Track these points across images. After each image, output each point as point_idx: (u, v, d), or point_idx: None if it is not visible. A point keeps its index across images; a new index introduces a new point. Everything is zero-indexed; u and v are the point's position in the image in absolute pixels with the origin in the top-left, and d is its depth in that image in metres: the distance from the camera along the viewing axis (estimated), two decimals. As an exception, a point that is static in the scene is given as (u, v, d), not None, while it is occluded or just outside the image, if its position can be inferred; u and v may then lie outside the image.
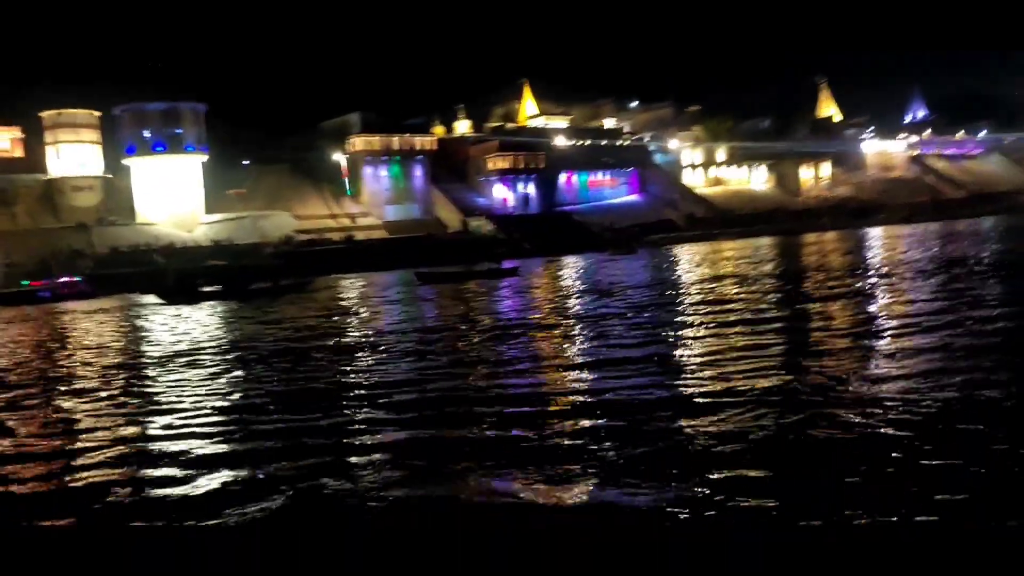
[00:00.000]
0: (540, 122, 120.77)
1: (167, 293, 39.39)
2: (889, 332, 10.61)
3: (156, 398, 9.84)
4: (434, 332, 15.55)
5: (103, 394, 10.50)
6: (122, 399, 9.99)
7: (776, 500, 4.64)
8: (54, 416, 9.23)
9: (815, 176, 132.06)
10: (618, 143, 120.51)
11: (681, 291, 21.23)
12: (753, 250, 49.53)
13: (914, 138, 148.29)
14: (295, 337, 16.74)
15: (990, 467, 4.86)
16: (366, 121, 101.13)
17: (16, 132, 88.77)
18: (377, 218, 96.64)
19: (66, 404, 10.01)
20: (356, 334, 16.49)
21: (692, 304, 17.10)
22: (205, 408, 8.79)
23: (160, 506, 5.44)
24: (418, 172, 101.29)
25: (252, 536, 4.87)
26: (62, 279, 61.19)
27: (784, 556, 4.00)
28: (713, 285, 22.15)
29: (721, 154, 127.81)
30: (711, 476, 5.08)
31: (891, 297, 15.21)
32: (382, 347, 13.53)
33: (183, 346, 16.27)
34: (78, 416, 9.05)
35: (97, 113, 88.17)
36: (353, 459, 6.16)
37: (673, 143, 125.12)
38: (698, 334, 11.98)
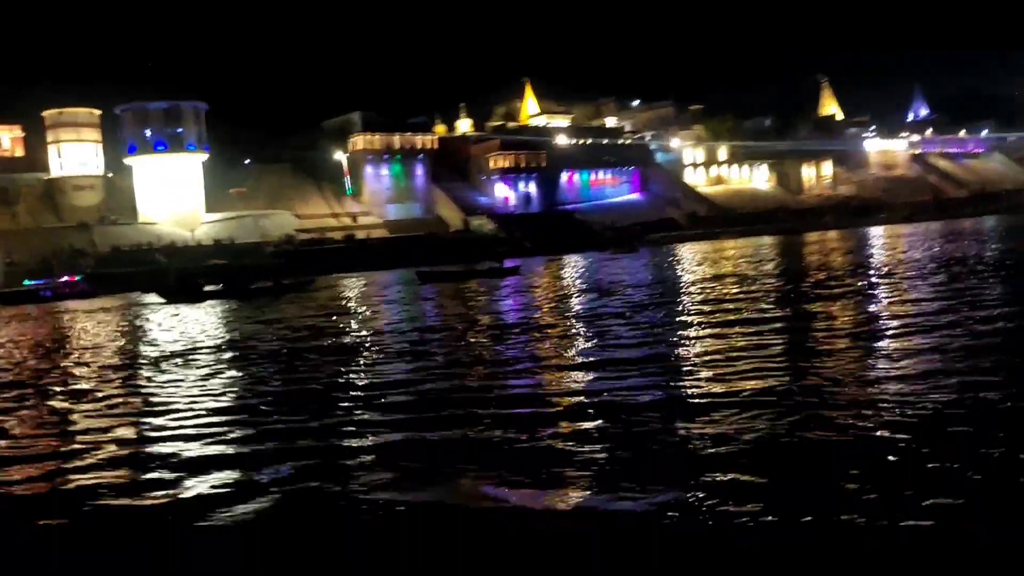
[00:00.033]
0: (541, 121, 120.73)
1: (168, 292, 39.41)
2: (889, 333, 10.55)
3: (149, 398, 9.79)
4: (433, 332, 15.50)
5: (98, 394, 10.46)
6: (115, 399, 9.94)
7: (774, 503, 4.58)
8: (47, 416, 9.18)
9: (817, 175, 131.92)
10: (619, 142, 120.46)
11: (682, 290, 21.18)
12: (754, 249, 49.47)
13: (916, 137, 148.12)
14: (294, 337, 16.70)
15: (989, 471, 4.81)
16: (367, 120, 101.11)
17: (17, 131, 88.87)
18: (378, 217, 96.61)
19: (59, 404, 9.97)
20: (355, 334, 16.45)
21: (692, 304, 17.04)
22: (199, 409, 8.74)
23: (151, 508, 5.39)
24: (419, 171, 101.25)
25: (243, 539, 4.82)
26: (63, 278, 61.25)
27: (781, 560, 3.96)
28: (714, 284, 22.09)
29: (723, 153, 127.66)
30: (708, 479, 5.02)
31: (892, 297, 15.15)
32: (380, 347, 13.49)
33: (179, 346, 16.23)
34: (70, 416, 9.00)
35: (98, 112, 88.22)
36: (346, 461, 6.11)
37: (675, 142, 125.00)
38: (697, 334, 11.93)
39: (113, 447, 7.24)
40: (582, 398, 7.87)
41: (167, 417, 8.44)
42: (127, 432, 7.91)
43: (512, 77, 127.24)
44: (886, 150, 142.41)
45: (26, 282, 61.47)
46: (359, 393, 9.05)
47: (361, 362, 11.80)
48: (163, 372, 12.25)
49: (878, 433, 5.76)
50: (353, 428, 7.29)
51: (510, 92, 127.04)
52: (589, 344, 11.81)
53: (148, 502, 5.51)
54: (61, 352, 17.62)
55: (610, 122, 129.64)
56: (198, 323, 23.32)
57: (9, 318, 35.56)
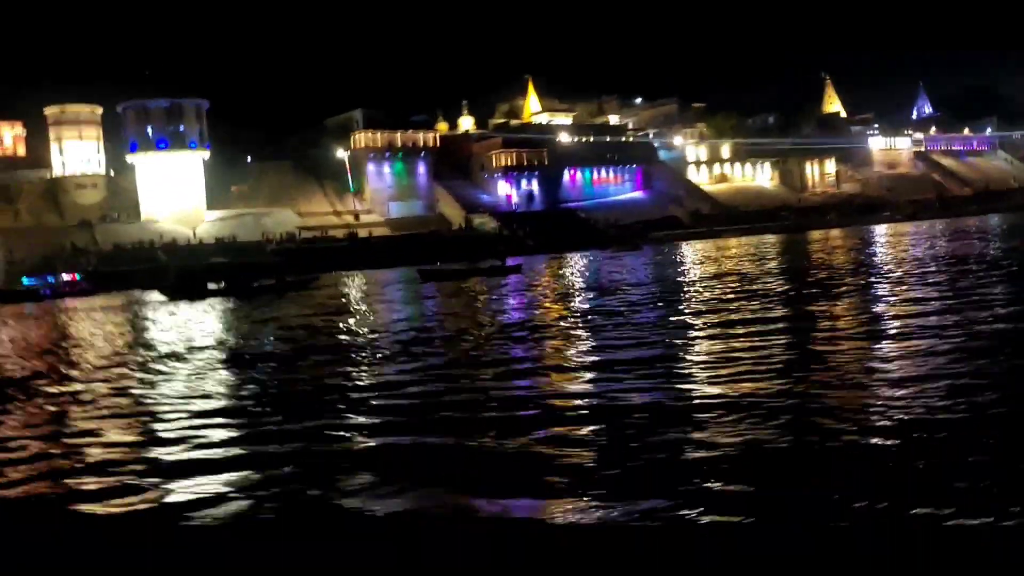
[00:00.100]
0: (544, 119, 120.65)
1: (169, 290, 39.30)
2: (891, 333, 10.37)
3: (139, 399, 9.63)
4: (432, 332, 15.34)
5: (85, 395, 10.28)
6: (103, 400, 9.77)
7: (771, 507, 4.42)
8: (33, 417, 9.00)
9: (820, 173, 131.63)
10: (622, 140, 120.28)
11: (683, 289, 20.98)
12: (758, 247, 49.28)
13: (920, 135, 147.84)
14: (291, 336, 16.54)
15: (989, 474, 4.61)
16: (369, 118, 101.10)
17: (19, 129, 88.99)
18: (380, 215, 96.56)
19: (45, 404, 9.79)
20: (353, 333, 16.28)
21: (692, 303, 16.86)
22: (188, 410, 8.56)
23: (133, 510, 5.23)
24: (421, 169, 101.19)
25: (230, 543, 4.62)
26: (63, 277, 61.24)
27: (778, 564, 3.76)
28: (716, 283, 21.90)
29: (726, 151, 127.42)
30: (703, 486, 4.84)
31: (894, 296, 14.94)
32: (377, 347, 13.32)
33: (175, 345, 16.06)
34: (57, 416, 8.82)
35: (100, 110, 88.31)
36: (334, 464, 5.93)
37: (678, 140, 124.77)
38: (697, 335, 11.73)
39: (99, 449, 7.07)
40: (577, 401, 7.69)
41: (154, 418, 8.28)
42: (113, 434, 7.74)
43: (514, 75, 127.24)
44: (890, 148, 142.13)
45: (24, 280, 61.41)
46: (353, 395, 8.87)
47: (358, 362, 11.61)
48: (155, 372, 12.08)
49: (878, 439, 5.57)
50: (344, 431, 7.10)
51: (512, 90, 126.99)
52: (587, 345, 11.63)
53: (130, 505, 5.34)
54: (53, 351, 17.47)
55: (613, 120, 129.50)
56: (197, 322, 23.18)
57: (6, 317, 35.44)
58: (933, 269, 20.66)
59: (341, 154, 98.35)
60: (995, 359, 7.92)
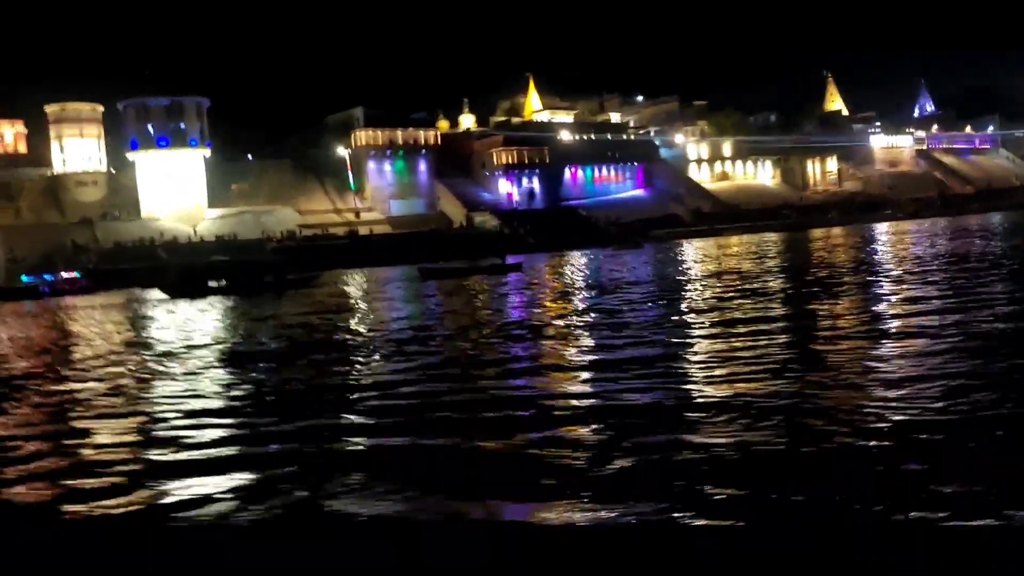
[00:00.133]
0: (545, 116, 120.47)
1: (170, 288, 39.25)
2: (891, 333, 10.35)
3: (136, 398, 9.61)
4: (432, 330, 15.32)
5: (82, 396, 10.27)
6: (99, 399, 9.75)
7: (770, 508, 4.40)
8: (23, 418, 8.99)
9: (822, 171, 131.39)
10: (624, 138, 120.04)
11: (683, 288, 20.95)
12: (759, 245, 49.23)
13: (921, 133, 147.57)
14: (289, 335, 16.53)
15: (988, 474, 4.60)
16: (370, 116, 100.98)
17: (20, 127, 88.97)
18: (381, 213, 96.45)
19: (40, 404, 9.78)
20: (352, 332, 16.27)
21: (692, 302, 16.84)
22: (181, 409, 8.54)
23: (131, 511, 5.21)
24: (422, 167, 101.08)
25: (230, 543, 4.62)
26: (62, 274, 61.18)
27: (778, 564, 3.75)
28: (716, 282, 21.89)
29: (727, 149, 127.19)
30: (700, 490, 4.81)
31: (895, 295, 14.92)
32: (376, 345, 13.30)
33: (173, 344, 16.05)
34: (52, 416, 8.81)
35: (101, 108, 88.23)
36: (334, 464, 5.92)
37: (679, 138, 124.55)
38: (696, 334, 11.71)
39: (96, 450, 7.06)
40: (575, 401, 7.68)
41: (152, 418, 8.26)
42: (109, 434, 7.72)
43: (515, 72, 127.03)
44: (891, 146, 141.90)
45: (23, 278, 61.32)
46: (351, 395, 8.85)
47: (357, 361, 11.59)
48: (153, 371, 12.06)
49: (878, 439, 5.56)
50: (341, 432, 7.08)
51: (513, 87, 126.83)
52: (587, 344, 11.61)
53: (128, 505, 5.33)
54: (47, 349, 17.46)
55: (614, 118, 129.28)
56: (197, 320, 23.16)
57: (4, 316, 35.43)
58: (934, 267, 20.63)
59: (342, 152, 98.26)
60: (995, 359, 7.90)
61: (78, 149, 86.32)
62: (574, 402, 7.62)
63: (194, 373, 11.42)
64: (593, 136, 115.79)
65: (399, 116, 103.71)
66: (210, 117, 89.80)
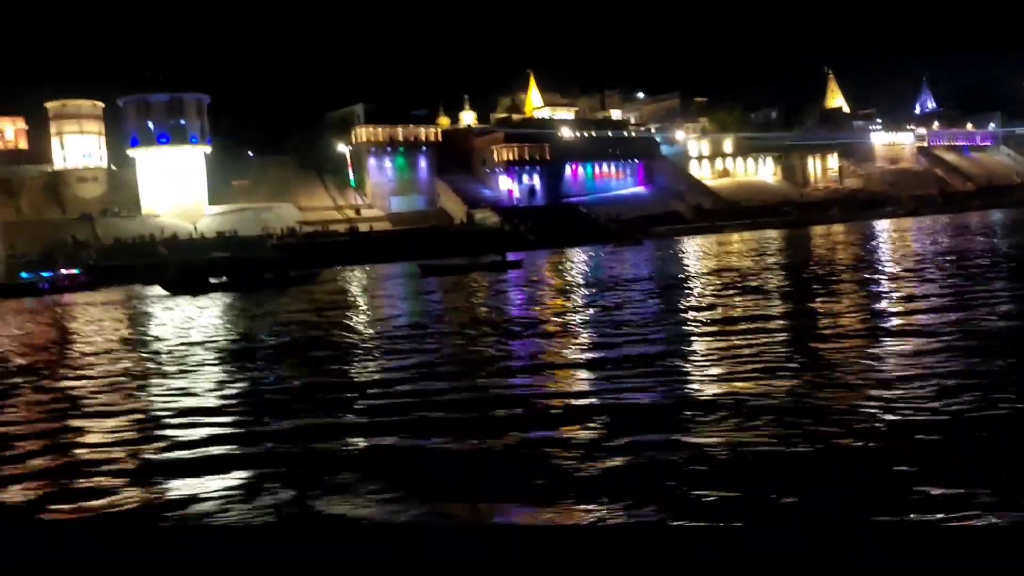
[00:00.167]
0: (545, 113, 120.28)
1: (170, 285, 39.22)
2: (891, 332, 10.34)
3: (134, 397, 9.60)
4: (432, 327, 15.31)
5: (76, 393, 10.26)
6: (96, 399, 9.75)
7: (770, 507, 4.39)
8: (26, 416, 8.99)
9: (823, 168, 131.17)
10: (624, 134, 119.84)
11: (683, 285, 20.93)
12: (759, 242, 49.18)
13: (923, 130, 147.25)
14: (288, 333, 16.51)
15: (988, 474, 4.59)
16: (370, 112, 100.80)
17: (20, 123, 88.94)
18: (381, 210, 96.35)
19: (37, 403, 9.78)
20: (351, 330, 16.25)
21: (692, 299, 16.82)
22: (175, 408, 8.53)
23: (129, 511, 5.20)
24: (423, 163, 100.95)
25: (230, 543, 4.60)
26: (62, 271, 61.11)
27: (778, 564, 3.74)
28: (715, 279, 21.86)
29: (728, 145, 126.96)
30: (698, 491, 4.80)
31: (894, 294, 14.90)
32: (377, 343, 13.29)
33: (172, 342, 16.03)
34: (50, 416, 8.80)
35: (101, 104, 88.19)
36: (333, 465, 5.91)
37: (680, 134, 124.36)
38: (695, 332, 11.70)
39: (94, 449, 7.05)
40: (573, 400, 7.66)
41: (150, 417, 8.25)
42: (107, 433, 7.71)
43: (516, 69, 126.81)
44: (892, 143, 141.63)
45: (22, 275, 61.22)
46: (350, 393, 8.84)
47: (356, 359, 11.59)
48: (152, 370, 12.06)
49: (877, 439, 5.55)
50: (340, 431, 7.07)
51: (514, 84, 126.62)
52: (585, 342, 11.60)
53: (126, 504, 5.32)
54: (43, 348, 17.45)
55: (615, 114, 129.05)
56: (195, 317, 23.14)
57: (3, 314, 35.41)
58: (934, 265, 20.61)
59: (342, 149, 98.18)
60: (994, 357, 7.89)
61: (78, 145, 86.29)
62: (573, 401, 7.61)
63: (192, 371, 11.41)
64: (594, 133, 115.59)
65: (400, 113, 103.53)
66: (211, 114, 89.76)
